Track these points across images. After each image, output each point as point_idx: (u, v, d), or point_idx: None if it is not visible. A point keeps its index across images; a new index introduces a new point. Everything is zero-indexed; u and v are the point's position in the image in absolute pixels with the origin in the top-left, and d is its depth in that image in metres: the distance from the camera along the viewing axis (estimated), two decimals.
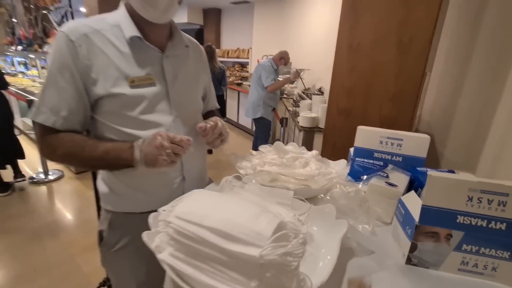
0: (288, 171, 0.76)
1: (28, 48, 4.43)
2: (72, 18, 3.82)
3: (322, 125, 2.20)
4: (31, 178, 2.89)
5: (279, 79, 3.16)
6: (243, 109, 5.04)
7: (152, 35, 0.69)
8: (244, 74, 6.39)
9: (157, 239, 0.42)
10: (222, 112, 4.62)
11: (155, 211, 0.75)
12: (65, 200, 2.60)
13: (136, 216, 0.74)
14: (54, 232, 2.12)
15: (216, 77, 4.19)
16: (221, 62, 7.34)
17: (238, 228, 0.35)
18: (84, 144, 0.64)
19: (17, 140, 2.73)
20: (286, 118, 2.40)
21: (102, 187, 0.76)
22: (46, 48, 3.77)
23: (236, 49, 6.93)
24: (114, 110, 0.66)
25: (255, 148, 3.42)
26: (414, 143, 0.79)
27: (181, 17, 6.95)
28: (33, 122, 0.64)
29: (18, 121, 4.24)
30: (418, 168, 0.75)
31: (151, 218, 0.50)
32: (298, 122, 2.33)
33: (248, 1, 6.09)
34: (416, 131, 1.55)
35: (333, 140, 1.66)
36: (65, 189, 2.79)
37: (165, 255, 0.40)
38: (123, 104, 0.66)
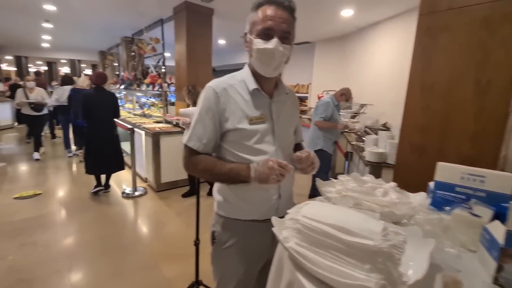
0: (371, 197, 0.87)
1: (129, 87, 5.51)
2: (164, 63, 4.68)
3: (390, 160, 2.20)
4: (123, 192, 3.48)
5: (341, 113, 3.29)
6: None
7: (265, 86, 0.95)
8: (303, 108, 6.64)
9: (284, 232, 0.59)
10: None
11: (257, 220, 0.95)
12: (148, 213, 3.04)
13: (242, 222, 0.95)
14: (138, 241, 2.50)
15: None
16: None
17: (353, 225, 0.50)
18: (215, 163, 0.90)
19: (122, 157, 3.53)
20: (351, 152, 2.46)
21: (217, 196, 1.00)
22: (143, 87, 4.67)
23: (295, 85, 7.33)
24: (236, 140, 0.91)
25: (314, 179, 3.42)
26: (498, 180, 0.83)
27: (246, 58, 7.76)
28: (185, 145, 0.93)
29: None
30: (503, 204, 0.78)
31: (274, 219, 0.67)
32: (364, 156, 2.37)
33: (309, 42, 6.53)
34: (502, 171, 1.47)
35: (405, 177, 1.67)
36: (148, 204, 3.26)
37: (292, 244, 0.57)
38: (243, 136, 0.90)
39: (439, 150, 1.48)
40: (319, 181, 1.01)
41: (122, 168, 3.51)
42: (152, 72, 4.35)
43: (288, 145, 1.02)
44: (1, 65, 11.89)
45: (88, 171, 3.33)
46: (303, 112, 6.55)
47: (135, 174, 3.52)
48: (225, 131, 0.91)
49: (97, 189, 3.44)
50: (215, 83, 0.92)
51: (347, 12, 4.13)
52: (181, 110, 1.42)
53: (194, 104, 3.03)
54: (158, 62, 4.68)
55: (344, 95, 3.14)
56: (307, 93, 6.96)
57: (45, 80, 7.85)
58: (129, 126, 3.59)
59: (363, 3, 3.72)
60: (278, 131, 0.95)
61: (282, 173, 0.80)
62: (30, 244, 2.30)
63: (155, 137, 3.42)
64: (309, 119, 5.41)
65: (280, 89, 1.00)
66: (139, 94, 5.47)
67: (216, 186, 1.01)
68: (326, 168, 3.24)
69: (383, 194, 0.93)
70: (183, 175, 3.67)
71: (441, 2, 1.43)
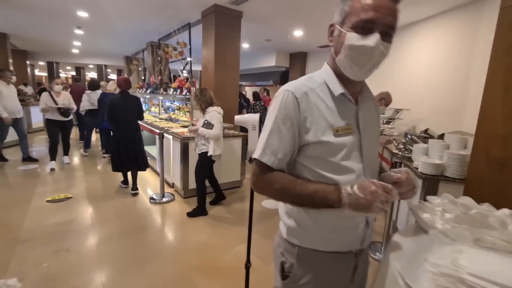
0: (493, 231, 0.69)
1: (155, 91, 5.54)
2: (191, 67, 4.64)
3: (449, 173, 1.97)
4: (151, 198, 3.43)
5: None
6: None
7: (350, 90, 0.79)
8: None
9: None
10: None
11: (340, 252, 0.79)
12: (176, 220, 2.95)
13: (322, 254, 0.79)
14: (169, 250, 2.40)
15: None
16: None
17: None
18: (295, 183, 0.74)
19: (146, 157, 3.70)
20: (400, 162, 2.25)
21: (287, 220, 0.84)
22: (170, 91, 4.65)
23: None
24: (318, 155, 0.76)
25: None
26: None
27: (269, 61, 7.67)
28: (255, 159, 0.79)
29: None
30: None
31: (401, 267, 0.51)
32: (417, 167, 2.15)
33: None
34: None
35: (479, 194, 1.44)
36: (176, 210, 3.18)
37: None
38: (327, 151, 0.75)
39: None
40: (415, 207, 0.84)
41: (146, 167, 3.70)
42: (180, 76, 4.32)
43: (375, 161, 0.85)
44: (34, 71, 12.52)
45: (114, 168, 3.55)
46: None
47: (163, 180, 3.46)
48: (305, 144, 0.76)
49: (124, 186, 3.76)
50: (293, 86, 0.77)
51: None
52: (237, 117, 1.31)
53: (203, 111, 2.98)
54: (185, 66, 4.65)
55: (384, 100, 2.92)
56: None
57: (82, 85, 8.03)
58: (158, 131, 3.55)
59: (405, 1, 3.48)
60: (365, 145, 0.79)
61: (388, 199, 0.64)
62: (64, 251, 2.26)
63: (184, 142, 3.34)
64: None
65: (366, 93, 0.84)
66: (160, 97, 5.48)
67: (285, 206, 0.86)
68: None
69: (501, 224, 0.75)
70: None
71: None
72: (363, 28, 0.69)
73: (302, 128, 0.75)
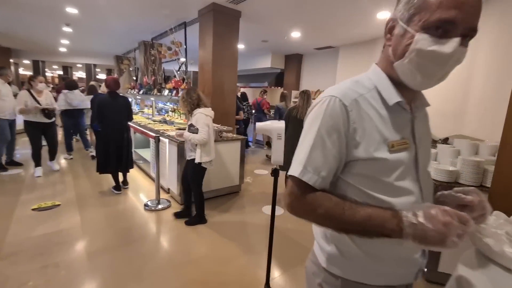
0: None
1: (148, 92, 5.35)
2: (186, 68, 4.49)
3: (463, 180, 1.90)
4: (146, 205, 3.25)
5: None
6: None
7: (406, 98, 0.67)
8: None
9: None
10: None
11: (391, 286, 0.67)
12: (172, 229, 2.79)
13: None
14: (168, 263, 2.25)
15: None
16: None
17: None
18: (343, 206, 0.62)
19: (132, 157, 3.71)
20: None
21: (327, 246, 0.72)
22: (165, 92, 4.49)
23: (316, 91, 7.06)
24: (368, 173, 0.64)
25: None
26: None
27: (265, 63, 7.59)
28: (292, 178, 0.67)
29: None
30: None
31: None
32: None
33: (332, 46, 6.29)
34: None
35: (505, 206, 1.37)
36: (172, 219, 3.01)
37: None
38: (380, 169, 0.64)
39: None
40: (477, 229, 0.74)
41: (131, 167, 3.71)
42: (176, 77, 4.16)
43: (430, 179, 0.74)
44: (19, 69, 12.02)
45: (99, 169, 3.46)
46: None
47: (159, 186, 3.29)
48: (352, 160, 0.64)
49: (116, 191, 3.59)
50: (340, 92, 0.65)
51: (383, 15, 3.87)
52: (259, 124, 1.15)
53: (190, 113, 2.74)
54: (181, 66, 4.49)
55: None
56: None
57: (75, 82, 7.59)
58: (154, 134, 3.38)
59: None
60: (421, 161, 0.68)
61: (465, 232, 0.53)
62: (52, 266, 2.07)
63: (181, 146, 3.19)
64: None
65: (420, 98, 0.72)
66: (152, 98, 5.30)
67: (322, 229, 0.74)
68: None
69: None
70: (210, 186, 3.42)
71: None
72: (440, 30, 0.56)
73: (351, 141, 0.63)
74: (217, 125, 3.56)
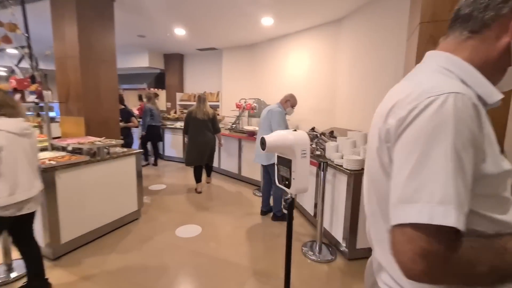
0: None
1: None
2: (37, 63, 3.21)
3: None
4: None
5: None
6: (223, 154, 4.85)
7: None
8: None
9: None
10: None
11: None
12: None
13: None
14: None
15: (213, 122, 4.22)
16: (188, 105, 7.17)
17: None
18: (494, 246, 0.46)
19: None
20: (326, 163, 2.36)
21: None
22: None
23: (203, 93, 6.84)
24: (492, 191, 0.51)
25: (268, 192, 3.10)
26: None
27: (142, 61, 6.64)
28: (419, 227, 0.44)
29: None
30: None
31: None
32: (340, 165, 2.33)
33: (215, 48, 6.25)
34: None
35: None
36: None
37: None
38: (502, 183, 0.51)
39: None
40: None
41: None
42: (16, 74, 2.83)
43: None
44: None
45: None
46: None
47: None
48: (478, 177, 0.48)
49: None
50: (457, 87, 0.48)
51: (267, 21, 4.13)
52: (271, 139, 0.67)
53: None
54: (21, 59, 3.13)
55: (289, 101, 3.06)
56: (217, 101, 6.62)
57: None
58: None
59: (283, 14, 3.80)
60: None
61: None
62: None
63: (49, 176, 2.18)
64: (229, 130, 5.12)
65: None
66: None
67: (393, 272, 0.56)
68: None
69: None
70: (92, 224, 2.56)
71: (442, 13, 1.49)
72: None
73: (479, 153, 0.48)
74: (99, 140, 2.70)
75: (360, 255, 2.38)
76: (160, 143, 6.01)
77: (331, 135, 3.51)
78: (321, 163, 2.32)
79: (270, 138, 0.68)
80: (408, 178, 0.47)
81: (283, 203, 0.74)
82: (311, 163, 2.76)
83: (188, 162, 3.95)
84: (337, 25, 3.99)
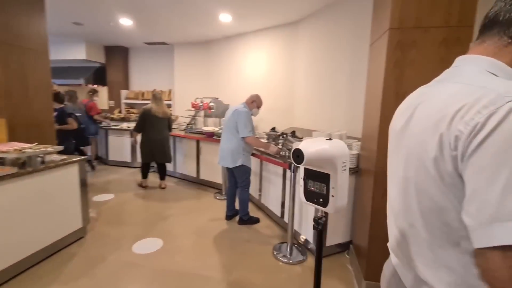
0: None
1: None
2: None
3: None
4: None
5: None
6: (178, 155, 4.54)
7: None
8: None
9: None
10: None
11: None
12: None
13: None
14: None
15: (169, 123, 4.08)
16: (135, 104, 6.55)
17: None
18: None
19: None
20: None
21: None
22: None
23: (152, 90, 6.32)
24: None
25: (233, 196, 2.98)
26: None
27: (78, 53, 5.80)
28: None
29: None
30: None
31: None
32: None
33: (166, 43, 5.81)
34: None
35: (384, 181, 1.74)
36: None
37: None
38: None
39: None
40: None
41: None
42: None
43: None
44: None
45: None
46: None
47: None
48: None
49: None
50: None
51: (225, 17, 3.98)
52: (309, 151, 0.50)
53: None
54: None
55: (255, 102, 2.98)
56: (169, 100, 6.18)
57: None
58: None
59: (242, 11, 3.71)
60: None
61: None
62: None
63: None
64: (183, 130, 4.81)
65: None
66: None
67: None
68: (248, 183, 2.96)
69: None
70: (21, 253, 2.10)
71: (409, 20, 1.58)
72: None
73: None
74: (29, 146, 2.21)
75: (329, 252, 2.44)
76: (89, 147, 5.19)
77: (293, 135, 3.55)
78: (292, 164, 2.30)
79: (308, 149, 0.57)
80: (503, 194, 0.42)
81: (313, 223, 0.64)
82: (279, 164, 2.74)
83: (146, 158, 3.94)
84: (295, 27, 4.07)
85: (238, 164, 2.82)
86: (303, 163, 0.58)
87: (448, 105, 0.52)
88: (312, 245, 2.45)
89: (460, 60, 0.62)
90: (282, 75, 4.37)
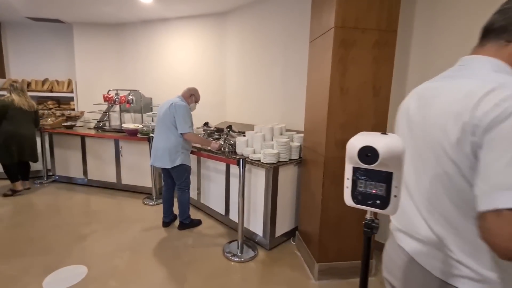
0: None
1: None
2: None
3: (282, 158, 2.34)
4: None
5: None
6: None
7: None
8: (71, 113, 4.82)
9: None
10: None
11: None
12: None
13: None
14: None
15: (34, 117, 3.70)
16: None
17: None
18: None
19: None
20: (244, 159, 2.25)
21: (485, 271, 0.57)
22: None
23: (43, 80, 5.07)
24: None
25: (170, 199, 2.74)
26: None
27: None
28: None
29: None
30: None
31: None
32: (258, 159, 2.31)
33: (62, 21, 4.70)
34: None
35: (333, 169, 1.89)
36: None
37: None
38: None
39: None
40: None
41: None
42: None
43: None
44: None
45: None
46: (71, 118, 4.77)
47: None
48: None
49: None
50: None
51: None
52: (380, 140, 0.57)
53: None
54: None
55: (193, 96, 2.75)
56: (70, 92, 5.05)
57: None
58: None
59: None
60: None
61: None
62: None
63: None
64: (109, 128, 4.04)
65: None
66: None
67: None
68: (188, 182, 2.72)
69: None
70: None
71: (350, 21, 1.72)
72: None
73: None
74: None
75: (278, 242, 2.51)
76: None
77: (230, 129, 3.46)
78: (240, 160, 2.22)
79: (382, 148, 0.49)
80: (507, 167, 0.50)
81: (364, 228, 0.57)
82: (223, 160, 2.61)
83: (9, 159, 3.39)
84: (223, 18, 3.93)
85: (177, 163, 2.55)
86: (377, 163, 0.52)
87: (469, 97, 0.59)
88: (259, 237, 2.46)
89: (467, 60, 0.70)
90: (212, 67, 4.19)
